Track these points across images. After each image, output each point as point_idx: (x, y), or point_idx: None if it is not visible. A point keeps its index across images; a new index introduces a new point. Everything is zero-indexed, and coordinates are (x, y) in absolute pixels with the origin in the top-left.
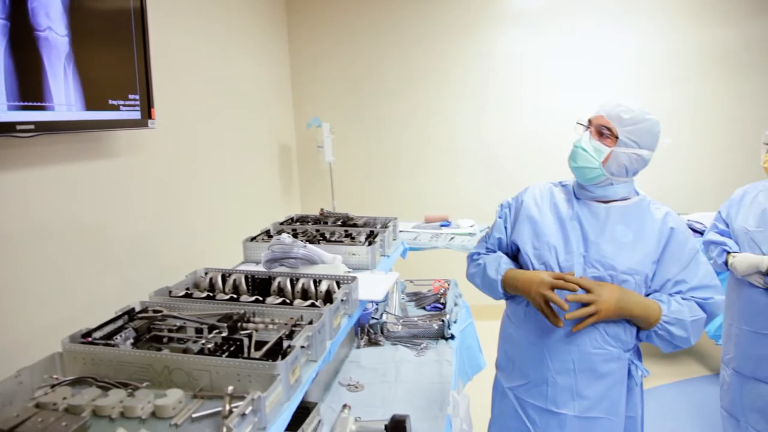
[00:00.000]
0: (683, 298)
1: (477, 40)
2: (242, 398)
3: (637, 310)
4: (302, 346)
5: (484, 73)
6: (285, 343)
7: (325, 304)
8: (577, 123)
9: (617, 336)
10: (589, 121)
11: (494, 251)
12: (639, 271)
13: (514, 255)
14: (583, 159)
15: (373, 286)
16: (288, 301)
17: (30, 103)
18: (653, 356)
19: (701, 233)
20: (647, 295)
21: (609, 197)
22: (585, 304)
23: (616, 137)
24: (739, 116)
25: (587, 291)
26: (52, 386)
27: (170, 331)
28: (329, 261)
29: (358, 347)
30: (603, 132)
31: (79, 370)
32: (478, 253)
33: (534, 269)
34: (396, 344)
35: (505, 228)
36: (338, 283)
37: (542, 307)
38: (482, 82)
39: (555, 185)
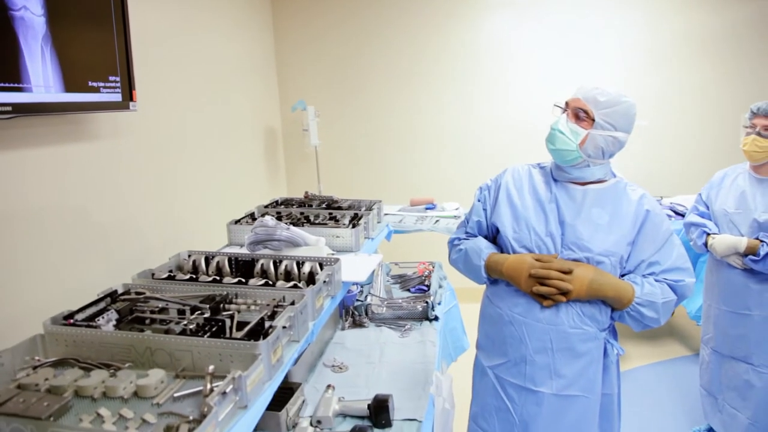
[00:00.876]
0: (656, 280)
1: (464, 26)
2: (224, 377)
3: (610, 292)
4: (284, 327)
5: (471, 58)
6: (267, 324)
7: (308, 286)
8: (555, 105)
9: (593, 316)
10: (566, 103)
11: (474, 235)
12: (614, 252)
13: (494, 236)
14: (560, 141)
15: (357, 267)
16: (271, 282)
17: (7, 84)
18: (635, 337)
19: (684, 216)
20: (622, 275)
21: (586, 179)
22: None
23: (593, 120)
24: (720, 100)
25: (567, 273)
26: (34, 368)
27: (152, 312)
28: (312, 243)
29: (343, 329)
30: (580, 114)
31: (61, 351)
32: (459, 239)
33: (514, 252)
34: (380, 326)
35: (484, 210)
36: (321, 265)
37: (535, 291)
38: (469, 67)
39: (533, 167)
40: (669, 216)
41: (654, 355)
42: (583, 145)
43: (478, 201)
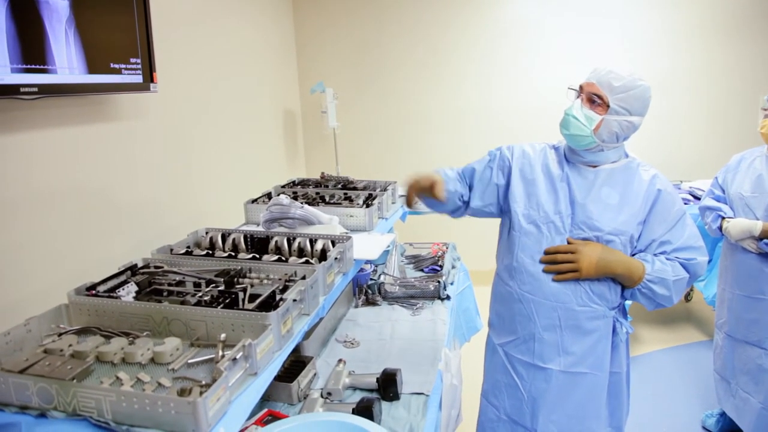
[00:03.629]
0: (667, 258)
1: (484, 7)
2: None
3: (619, 269)
4: (294, 300)
5: (490, 40)
6: (278, 297)
7: (320, 262)
8: (569, 88)
9: (602, 294)
10: (581, 87)
11: (461, 175)
12: (624, 231)
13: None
14: (574, 127)
15: (369, 246)
16: (284, 258)
17: (33, 66)
18: (651, 322)
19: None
20: (632, 255)
21: (599, 162)
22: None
23: (608, 105)
24: (739, 83)
25: (573, 252)
26: (59, 335)
27: (170, 285)
28: (326, 221)
29: (356, 307)
30: (594, 99)
31: (84, 320)
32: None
33: (522, 228)
34: (393, 304)
35: (490, 168)
36: (333, 243)
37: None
38: (489, 48)
39: (548, 146)
40: (687, 200)
41: (670, 339)
42: (598, 130)
43: (489, 157)
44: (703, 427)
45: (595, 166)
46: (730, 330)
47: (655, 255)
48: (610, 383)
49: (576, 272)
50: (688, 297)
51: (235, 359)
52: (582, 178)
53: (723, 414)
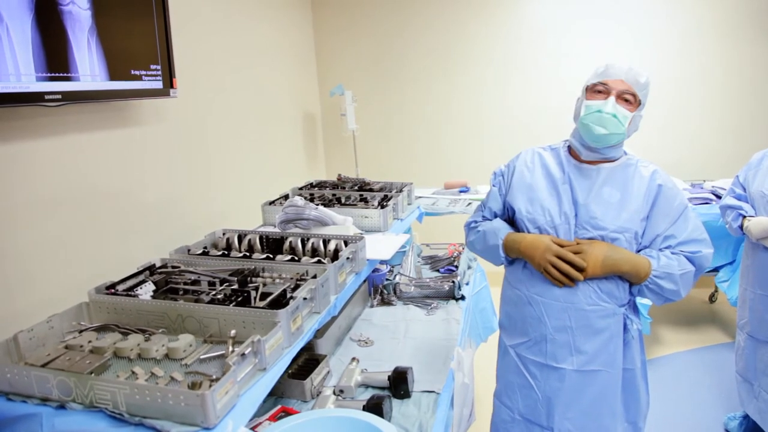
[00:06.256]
0: (672, 253)
1: (502, 9)
2: None
3: (625, 266)
4: (305, 298)
5: (508, 42)
6: (288, 295)
7: (332, 262)
8: (595, 89)
9: (610, 292)
10: (604, 84)
11: (490, 219)
12: (628, 228)
13: (510, 219)
14: (613, 125)
15: (382, 246)
16: (297, 258)
17: (57, 74)
18: (674, 323)
19: None
20: (638, 251)
21: (616, 156)
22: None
23: (639, 102)
24: (758, 80)
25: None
26: (80, 331)
27: (186, 284)
28: (340, 222)
29: (372, 306)
30: (627, 98)
31: (103, 317)
32: (476, 221)
33: (529, 232)
34: (408, 304)
35: (501, 195)
36: (346, 243)
37: (548, 271)
38: (506, 50)
39: (544, 149)
40: (710, 200)
41: (693, 341)
42: (628, 127)
43: (494, 186)
44: (726, 430)
45: (595, 163)
46: (752, 331)
47: (660, 250)
48: (624, 379)
49: (582, 272)
50: (712, 298)
51: (243, 354)
52: (584, 178)
53: (746, 416)
